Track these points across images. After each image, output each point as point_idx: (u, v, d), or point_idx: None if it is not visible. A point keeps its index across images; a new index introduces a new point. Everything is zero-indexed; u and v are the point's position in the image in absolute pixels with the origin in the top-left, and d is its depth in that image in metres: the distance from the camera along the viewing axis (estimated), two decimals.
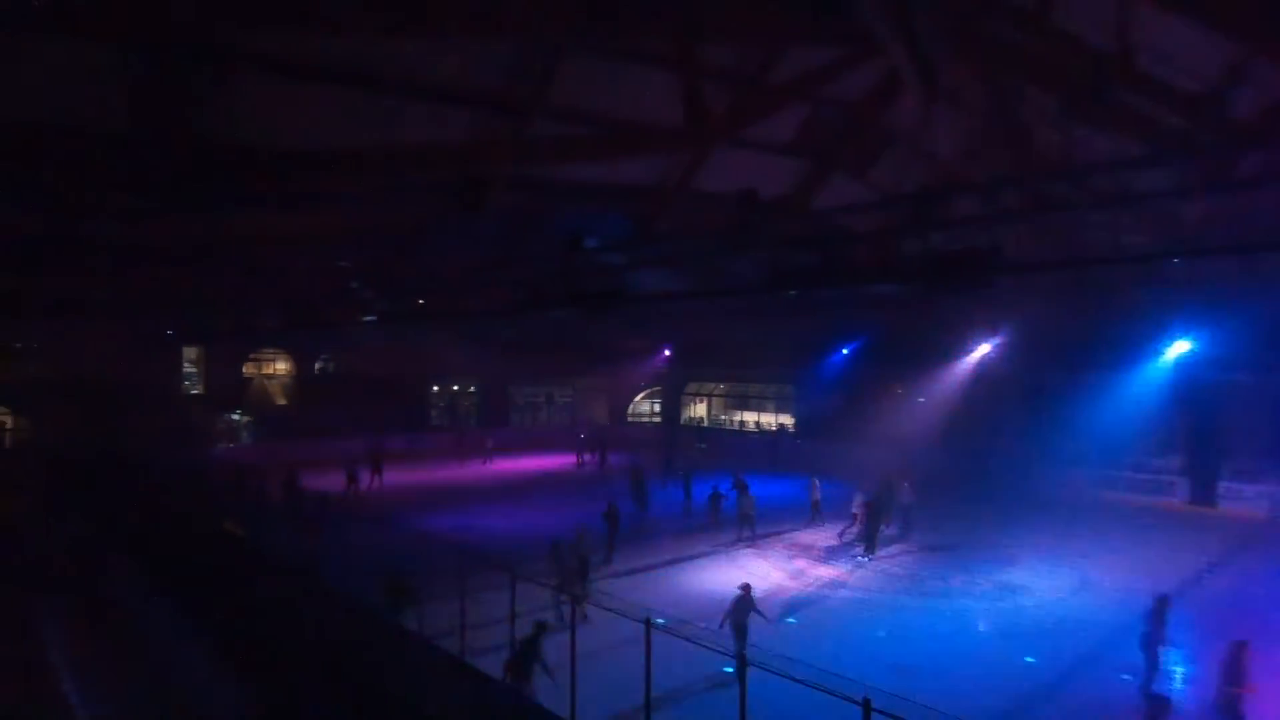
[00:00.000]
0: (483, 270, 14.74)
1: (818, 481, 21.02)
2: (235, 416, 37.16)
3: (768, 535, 19.20)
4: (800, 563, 17.26)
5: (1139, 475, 24.17)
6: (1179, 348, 22.32)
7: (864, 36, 7.71)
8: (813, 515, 20.36)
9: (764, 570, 16.59)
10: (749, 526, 18.78)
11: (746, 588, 11.37)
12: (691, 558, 17.70)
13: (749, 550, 18.15)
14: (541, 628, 9.58)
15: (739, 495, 19.22)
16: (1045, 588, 15.38)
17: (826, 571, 16.67)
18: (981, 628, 13.42)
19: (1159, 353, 22.68)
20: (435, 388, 42.73)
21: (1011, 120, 10.63)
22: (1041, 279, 17.96)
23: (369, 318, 18.41)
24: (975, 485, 24.79)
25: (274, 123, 9.28)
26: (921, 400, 29.02)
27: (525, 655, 9.34)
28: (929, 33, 6.53)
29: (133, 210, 10.66)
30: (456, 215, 12.21)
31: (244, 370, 37.36)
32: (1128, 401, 23.04)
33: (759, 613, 11.29)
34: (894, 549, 18.19)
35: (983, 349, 26.80)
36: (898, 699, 6.17)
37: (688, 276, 15.04)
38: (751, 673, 7.45)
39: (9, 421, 32.38)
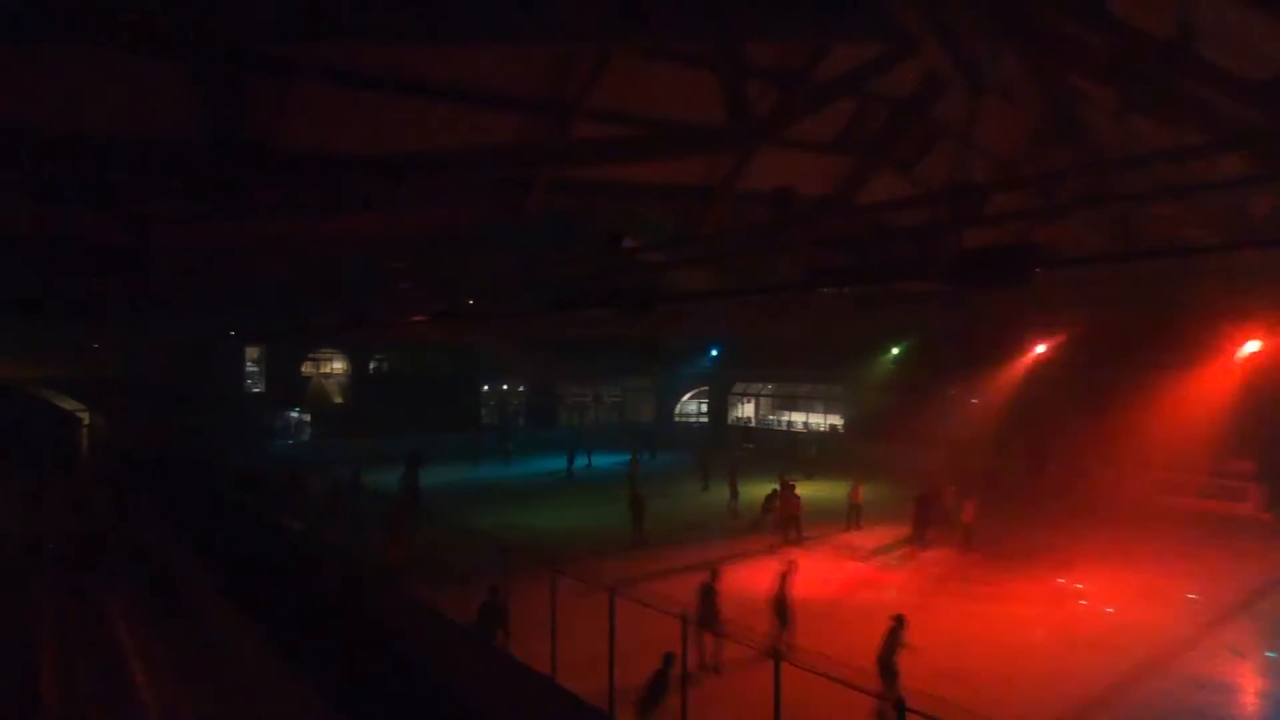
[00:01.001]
0: (527, 270, 14.96)
1: (860, 486, 20.64)
2: (294, 414, 38.39)
3: (816, 537, 18.99)
4: (848, 565, 17.03)
5: (1209, 480, 23.13)
6: (1252, 346, 21.31)
7: (901, 33, 7.57)
8: (849, 518, 20.01)
9: (811, 572, 16.42)
10: (795, 527, 18.61)
11: (899, 620, 9.91)
12: (735, 557, 17.61)
13: (795, 551, 17.97)
14: (670, 661, 8.54)
15: (785, 496, 19.08)
16: (1105, 594, 14.87)
17: (874, 574, 16.42)
18: (1038, 634, 13.05)
19: (1231, 352, 21.69)
20: (485, 387, 43.42)
21: (1066, 113, 10.32)
22: (1103, 275, 17.33)
23: (418, 317, 18.85)
24: (1031, 488, 24.09)
25: (327, 130, 9.58)
26: (975, 401, 28.33)
27: (654, 694, 8.37)
28: (967, 26, 6.37)
29: (195, 215, 11.13)
30: (502, 217, 12.41)
31: (303, 369, 38.58)
32: (1196, 403, 22.08)
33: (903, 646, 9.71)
34: (945, 553, 17.81)
35: (1040, 348, 26.01)
36: (938, 701, 6.06)
37: (728, 275, 15.02)
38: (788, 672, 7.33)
39: (86, 418, 34.07)
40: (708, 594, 11.33)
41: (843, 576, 16.15)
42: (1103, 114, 10.09)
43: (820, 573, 16.40)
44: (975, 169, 11.91)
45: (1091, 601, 14.51)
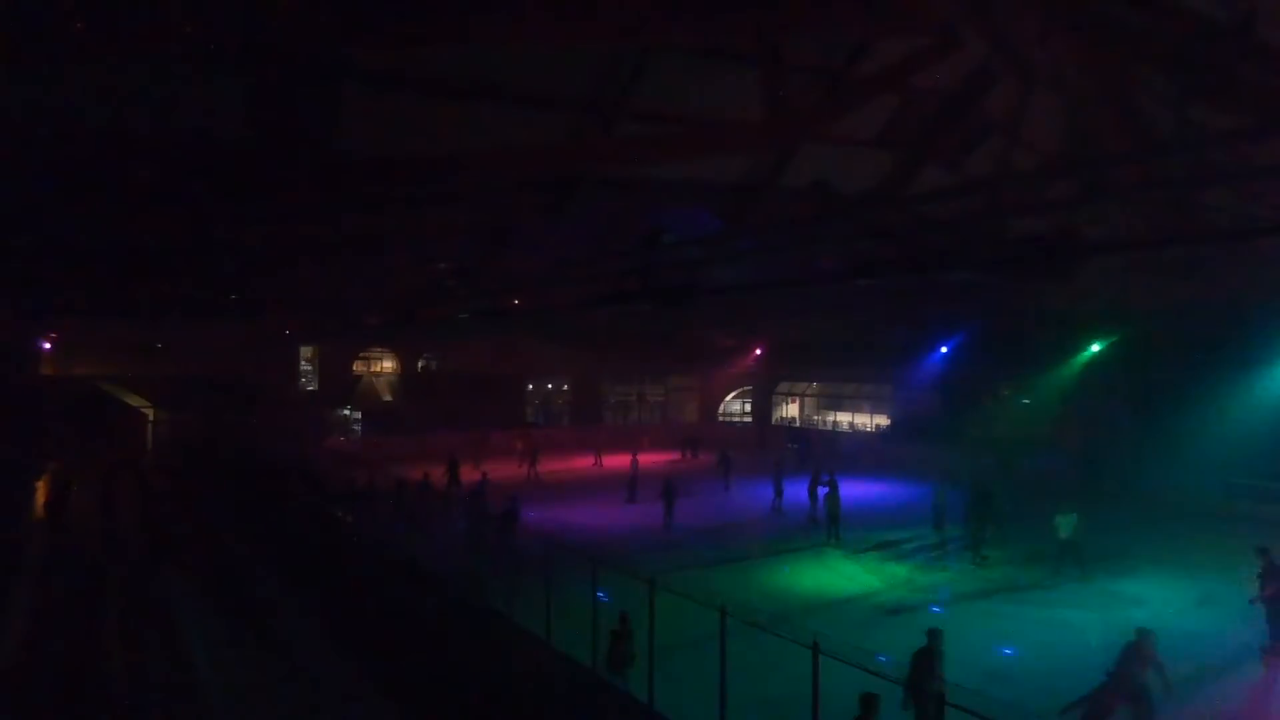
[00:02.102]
0: (568, 266, 15.13)
1: (944, 488, 19.22)
2: (346, 412, 39.40)
3: (862, 539, 18.76)
4: (894, 566, 16.81)
5: (1276, 484, 22.15)
6: None
7: (942, 26, 7.48)
8: (936, 523, 18.73)
9: (854, 573, 16.29)
10: (836, 526, 18.45)
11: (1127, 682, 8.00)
12: (776, 554, 17.59)
13: (839, 551, 17.84)
14: (872, 707, 7.25)
15: (828, 494, 18.91)
16: (1161, 600, 14.42)
17: (921, 576, 16.17)
18: (1091, 638, 12.72)
19: None
20: (530, 386, 43.93)
21: (1121, 102, 10.06)
22: (1166, 268, 16.79)
23: (463, 314, 19.18)
24: (1086, 491, 23.38)
25: (374, 131, 9.87)
26: (1026, 401, 27.65)
27: None
28: (1010, 17, 6.26)
29: (249, 216, 11.57)
30: (545, 215, 12.60)
31: (354, 368, 39.58)
32: (1261, 403, 21.19)
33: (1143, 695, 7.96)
34: (995, 555, 17.44)
35: (1095, 346, 25.24)
36: (987, 701, 5.97)
37: (767, 269, 14.94)
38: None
39: (151, 414, 35.53)
40: (925, 657, 8.69)
41: (890, 579, 15.94)
42: (1158, 101, 9.81)
43: (866, 575, 16.24)
44: (1023, 160, 11.68)
45: (1148, 607, 14.07)
